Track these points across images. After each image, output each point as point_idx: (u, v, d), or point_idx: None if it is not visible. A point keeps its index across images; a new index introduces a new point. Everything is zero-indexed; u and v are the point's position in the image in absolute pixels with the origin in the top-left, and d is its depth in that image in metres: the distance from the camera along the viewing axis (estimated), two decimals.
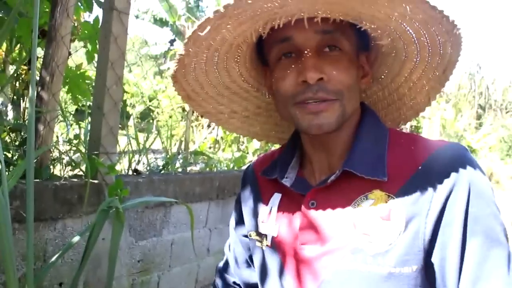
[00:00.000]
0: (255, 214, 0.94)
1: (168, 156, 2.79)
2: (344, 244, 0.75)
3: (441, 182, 0.71)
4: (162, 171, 2.53)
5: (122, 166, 2.50)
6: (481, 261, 0.67)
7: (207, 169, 2.99)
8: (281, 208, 0.88)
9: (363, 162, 0.77)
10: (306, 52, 0.75)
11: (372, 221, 0.74)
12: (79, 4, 1.98)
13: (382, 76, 0.90)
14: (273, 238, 0.87)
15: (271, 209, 0.90)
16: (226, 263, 1.06)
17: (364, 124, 0.83)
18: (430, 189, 0.71)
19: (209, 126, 5.25)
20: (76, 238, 1.28)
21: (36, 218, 1.54)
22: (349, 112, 0.79)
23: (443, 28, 0.72)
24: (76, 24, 2.25)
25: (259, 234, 0.91)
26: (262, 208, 0.92)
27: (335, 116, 0.76)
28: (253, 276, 0.98)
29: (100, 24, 1.80)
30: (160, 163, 2.70)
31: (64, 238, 1.64)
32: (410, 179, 0.74)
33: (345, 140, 0.83)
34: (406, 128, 9.85)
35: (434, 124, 11.51)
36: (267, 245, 0.88)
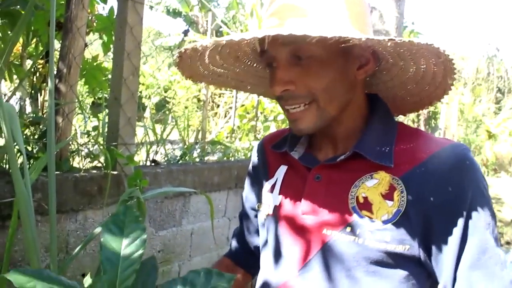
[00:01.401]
0: (261, 185, 1.00)
1: (185, 146, 2.79)
2: (345, 217, 0.80)
3: (444, 176, 0.75)
4: (180, 161, 2.53)
5: (140, 157, 2.51)
6: (479, 252, 0.73)
7: (225, 158, 2.99)
8: (286, 179, 0.93)
9: (372, 147, 0.81)
10: (276, 64, 0.80)
11: (374, 198, 0.79)
12: None
13: (390, 60, 0.86)
14: (275, 207, 0.92)
15: (276, 180, 0.95)
16: (241, 229, 1.13)
17: (375, 115, 0.86)
18: (433, 180, 0.76)
19: (225, 115, 5.24)
20: (98, 229, 1.28)
21: (58, 210, 1.56)
22: (332, 112, 0.81)
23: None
24: (91, 17, 2.25)
25: (263, 203, 0.97)
26: (268, 180, 0.98)
27: (312, 120, 0.81)
28: None
29: (115, 15, 1.79)
30: (178, 153, 2.70)
31: (85, 230, 1.65)
32: (415, 167, 0.78)
33: (349, 128, 0.86)
34: (425, 113, 9.72)
35: (452, 109, 11.33)
36: (268, 214, 0.94)
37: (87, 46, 1.91)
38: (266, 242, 0.95)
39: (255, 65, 0.98)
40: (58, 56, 1.66)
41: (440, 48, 0.70)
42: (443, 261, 0.75)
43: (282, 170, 0.95)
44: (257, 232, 1.05)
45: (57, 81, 1.60)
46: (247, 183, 1.09)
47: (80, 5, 1.58)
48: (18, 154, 1.42)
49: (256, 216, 1.04)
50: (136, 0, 1.71)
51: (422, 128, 9.75)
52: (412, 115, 9.45)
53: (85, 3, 1.60)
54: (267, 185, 0.97)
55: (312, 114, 0.80)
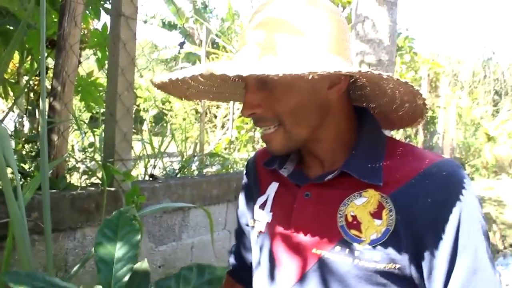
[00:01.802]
0: (253, 201, 0.99)
1: (183, 159, 2.78)
2: (334, 236, 0.79)
3: (435, 194, 0.74)
4: (179, 175, 2.52)
5: (138, 171, 2.50)
6: (470, 273, 0.71)
7: (224, 170, 2.98)
8: (277, 196, 0.93)
9: (360, 166, 0.80)
10: (246, 88, 0.81)
11: (362, 217, 0.78)
12: (87, 12, 1.98)
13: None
14: (267, 224, 0.92)
15: (267, 197, 0.95)
16: (238, 246, 1.13)
17: (364, 130, 0.85)
18: (423, 198, 0.74)
19: (223, 127, 5.23)
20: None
21: (55, 229, 1.55)
22: (301, 134, 0.81)
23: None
24: (85, 32, 2.25)
25: (255, 220, 0.96)
26: (260, 196, 0.97)
27: (280, 143, 0.81)
28: None
29: (108, 31, 1.79)
30: (176, 166, 2.69)
31: (84, 247, 1.64)
32: (404, 185, 0.77)
33: (336, 148, 0.85)
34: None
35: (449, 113, 11.34)
36: (260, 231, 0.93)
37: (81, 63, 1.91)
38: (259, 259, 0.94)
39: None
40: (52, 74, 1.66)
41: (419, 92, 0.73)
42: (434, 282, 0.74)
43: (273, 186, 0.95)
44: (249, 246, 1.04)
45: (51, 99, 1.59)
46: (240, 199, 1.09)
47: (72, 22, 1.58)
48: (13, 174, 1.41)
49: (249, 232, 1.03)
50: (128, 16, 1.71)
51: (421, 133, 9.75)
52: None
53: (78, 21, 1.60)
54: (259, 202, 0.97)
55: (280, 136, 0.81)
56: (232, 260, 1.14)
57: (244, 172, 1.08)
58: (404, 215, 0.75)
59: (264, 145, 0.90)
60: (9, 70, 2.56)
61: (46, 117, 0.87)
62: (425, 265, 0.74)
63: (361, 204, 0.79)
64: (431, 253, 0.73)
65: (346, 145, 0.85)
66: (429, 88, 9.97)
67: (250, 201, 1.02)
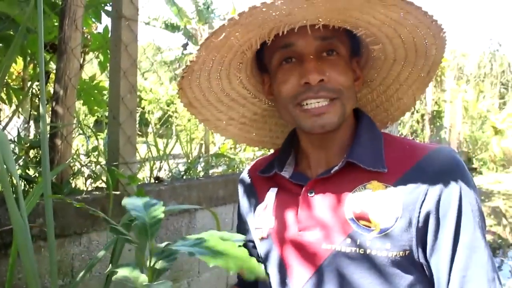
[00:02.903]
0: (252, 212, 0.99)
1: (189, 160, 2.77)
2: (343, 229, 0.79)
3: (435, 179, 0.77)
4: (184, 176, 2.50)
5: (144, 174, 2.48)
6: (470, 251, 0.74)
7: (230, 170, 2.96)
8: (278, 200, 0.92)
9: (364, 155, 0.83)
10: (307, 56, 0.81)
11: (370, 207, 0.79)
12: (88, 15, 1.96)
13: (371, 80, 0.96)
14: (269, 229, 0.91)
15: (267, 203, 0.94)
16: None
17: (362, 124, 0.89)
18: (425, 183, 0.77)
19: None
20: (101, 253, 1.26)
21: (61, 234, 1.53)
22: (348, 111, 0.86)
23: (430, 31, 0.80)
24: (87, 36, 2.24)
25: (256, 229, 0.96)
26: (258, 205, 0.96)
27: (337, 116, 0.82)
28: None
29: (109, 34, 1.78)
30: (182, 168, 2.68)
31: (90, 252, 1.62)
32: (406, 173, 0.80)
33: (343, 138, 0.88)
34: (429, 113, 9.65)
35: (456, 107, 11.26)
36: (262, 237, 0.92)
37: (83, 67, 1.90)
38: (265, 265, 0.93)
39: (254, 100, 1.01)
40: (54, 78, 1.65)
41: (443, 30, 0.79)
42: (439, 264, 0.76)
43: (272, 192, 0.94)
44: (258, 260, 1.02)
45: (54, 103, 1.58)
46: (238, 216, 1.08)
47: (73, 26, 1.57)
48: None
49: (254, 247, 1.01)
50: (129, 17, 1.70)
51: (427, 127, 9.69)
52: (417, 116, 9.39)
53: (78, 24, 1.59)
54: (258, 209, 0.96)
55: (337, 110, 0.82)
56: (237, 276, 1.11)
57: (238, 188, 1.07)
58: (409, 201, 0.77)
59: (263, 153, 0.91)
60: (13, 77, 2.57)
61: (48, 122, 0.86)
62: (430, 248, 0.76)
63: (367, 196, 0.80)
64: (435, 236, 0.76)
65: (350, 139, 0.88)
66: (434, 83, 9.89)
67: (249, 213, 1.01)
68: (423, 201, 0.76)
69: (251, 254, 1.03)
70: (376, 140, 0.87)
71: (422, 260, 0.77)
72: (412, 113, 9.00)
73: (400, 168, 0.81)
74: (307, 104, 0.82)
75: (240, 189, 1.06)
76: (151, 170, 2.38)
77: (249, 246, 1.04)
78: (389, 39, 0.84)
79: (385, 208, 0.78)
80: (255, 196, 0.99)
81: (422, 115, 9.67)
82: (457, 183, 0.76)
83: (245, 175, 1.06)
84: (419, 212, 0.76)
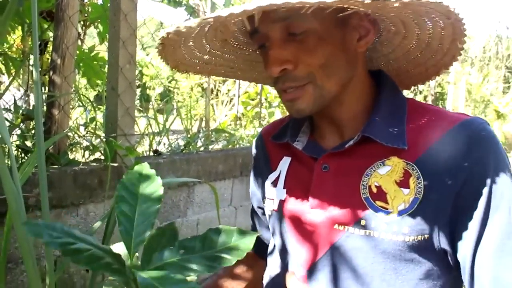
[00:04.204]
0: (264, 180, 0.93)
1: (189, 135, 2.75)
2: (357, 210, 0.73)
3: (462, 156, 0.69)
4: (184, 151, 2.49)
5: (143, 148, 2.47)
6: (503, 236, 0.67)
7: (230, 146, 2.94)
8: (291, 171, 0.86)
9: (382, 129, 0.74)
10: (271, 42, 0.73)
11: (388, 187, 0.72)
12: None
13: (392, 28, 0.79)
14: (280, 201, 0.85)
15: (279, 172, 0.88)
16: (254, 226, 1.07)
17: (383, 92, 0.79)
18: (451, 161, 0.69)
19: (228, 103, 5.19)
20: (97, 224, 1.24)
21: (58, 205, 1.52)
22: (331, 89, 0.75)
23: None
24: (88, 8, 2.20)
25: (267, 198, 0.90)
26: (271, 173, 0.90)
27: (310, 100, 0.74)
28: None
29: (109, 3, 1.74)
30: (182, 143, 2.66)
31: (87, 224, 1.62)
32: (430, 148, 0.71)
33: (355, 109, 0.79)
34: (432, 94, 9.59)
35: (459, 89, 11.16)
36: (274, 210, 0.87)
37: (80, 36, 1.86)
38: (274, 240, 0.89)
39: (244, 48, 0.90)
40: (52, 47, 1.61)
41: (449, 6, 0.63)
42: (464, 247, 0.69)
43: (285, 161, 0.88)
44: (267, 228, 0.98)
45: (51, 72, 1.55)
46: (251, 179, 1.02)
47: None
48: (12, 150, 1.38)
49: (263, 213, 0.97)
50: None
51: None
52: (419, 97, 9.33)
53: None
54: (270, 179, 0.90)
55: (309, 94, 0.73)
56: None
57: (252, 152, 1.01)
58: (433, 180, 0.70)
59: (271, 120, 0.85)
60: (14, 49, 2.52)
61: (41, 90, 0.84)
62: (456, 230, 0.69)
63: (385, 174, 0.73)
64: (463, 215, 0.68)
65: (366, 109, 0.79)
66: None
67: (261, 180, 0.95)
68: (448, 180, 0.69)
69: (260, 222, 1.03)
70: (398, 110, 0.78)
71: (444, 245, 0.70)
72: (415, 94, 8.94)
73: (424, 142, 0.72)
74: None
75: (254, 153, 1.00)
76: (151, 144, 2.36)
77: (258, 213, 1.02)
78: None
79: (404, 190, 0.71)
80: (268, 163, 0.93)
81: (425, 97, 9.60)
82: (490, 158, 0.68)
83: (258, 139, 1.00)
84: (443, 193, 0.69)
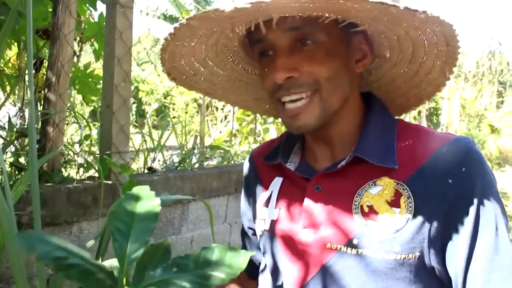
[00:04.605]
0: (255, 201, 0.93)
1: (184, 152, 2.75)
2: (350, 229, 0.74)
3: (450, 175, 0.71)
4: (179, 168, 2.49)
5: (138, 164, 2.46)
6: (492, 252, 0.68)
7: (224, 162, 2.94)
8: (282, 192, 0.87)
9: (373, 150, 0.76)
10: (278, 50, 0.74)
11: (379, 207, 0.73)
12: (83, 1, 1.93)
13: (387, 55, 0.82)
14: (272, 221, 0.85)
15: (271, 193, 0.89)
16: (244, 247, 1.07)
17: (372, 113, 0.81)
18: (440, 180, 0.71)
19: (224, 119, 5.20)
20: (91, 242, 1.24)
21: (51, 223, 1.51)
22: (334, 104, 0.76)
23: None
24: (83, 26, 2.21)
25: (258, 219, 0.91)
26: (262, 194, 0.91)
27: (314, 115, 0.75)
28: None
29: (104, 21, 1.75)
30: (176, 159, 2.66)
31: (81, 242, 1.60)
32: (419, 168, 0.73)
33: (347, 129, 0.81)
34: (426, 110, 9.65)
35: (453, 104, 11.26)
36: (265, 230, 0.87)
37: (76, 54, 1.87)
38: (265, 261, 0.89)
39: (236, 62, 0.90)
40: (47, 65, 1.62)
41: (455, 31, 0.66)
42: (455, 261, 0.70)
43: (277, 182, 0.88)
44: (259, 248, 0.98)
45: (46, 90, 1.56)
46: (242, 200, 1.03)
47: (67, 11, 1.54)
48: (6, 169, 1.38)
49: (254, 234, 0.98)
50: (124, 4, 1.67)
51: (424, 124, 9.70)
52: (413, 112, 9.39)
53: (72, 10, 1.56)
54: (261, 199, 0.91)
55: (315, 106, 0.74)
56: None
57: (244, 172, 1.02)
58: (423, 199, 0.71)
59: (266, 136, 0.85)
60: (9, 65, 2.53)
61: (35, 107, 0.84)
62: (446, 248, 0.71)
63: (376, 193, 0.74)
64: (452, 233, 0.70)
65: (357, 130, 0.81)
66: None
67: (252, 201, 0.96)
68: (438, 199, 0.70)
69: (250, 242, 1.04)
70: (387, 130, 0.79)
71: (434, 264, 0.71)
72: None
73: (413, 163, 0.74)
74: (284, 101, 0.76)
75: (245, 173, 1.01)
76: (145, 161, 2.36)
77: (249, 233, 1.02)
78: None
79: (395, 209, 0.72)
80: (260, 183, 0.93)
81: (419, 112, 9.66)
82: (477, 177, 0.70)
83: (249, 161, 1.00)
84: (433, 212, 0.70)
